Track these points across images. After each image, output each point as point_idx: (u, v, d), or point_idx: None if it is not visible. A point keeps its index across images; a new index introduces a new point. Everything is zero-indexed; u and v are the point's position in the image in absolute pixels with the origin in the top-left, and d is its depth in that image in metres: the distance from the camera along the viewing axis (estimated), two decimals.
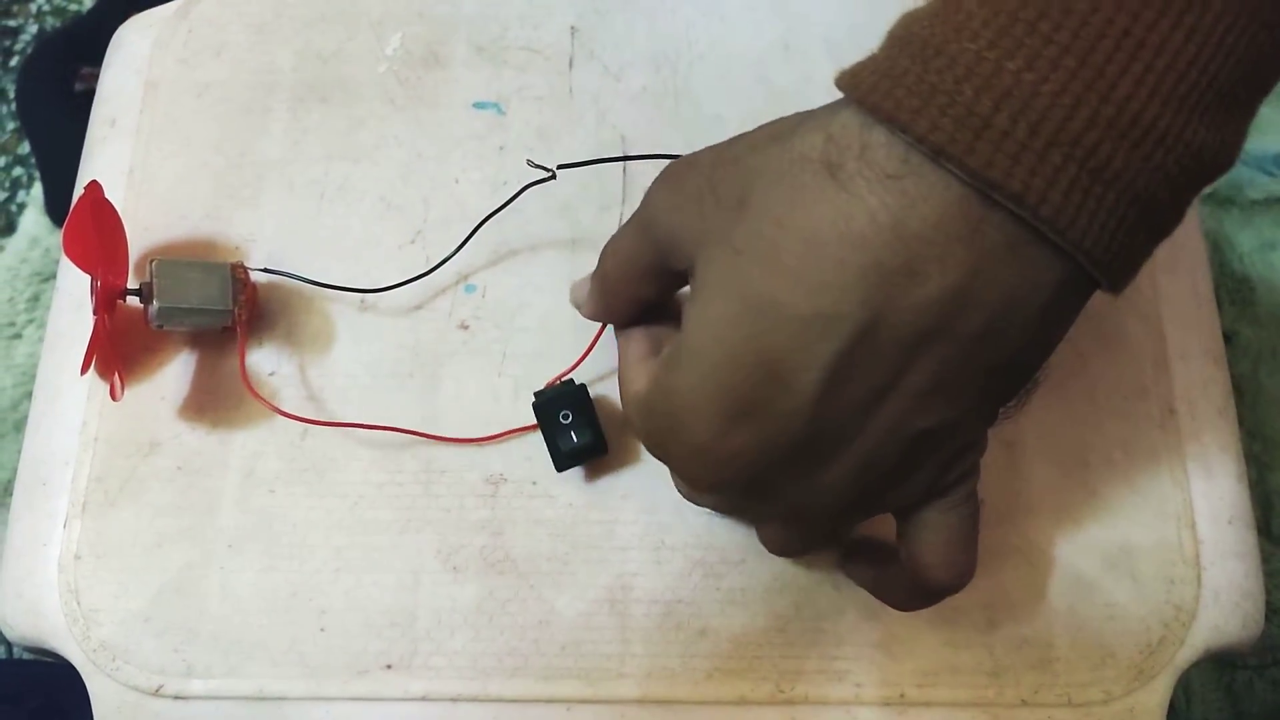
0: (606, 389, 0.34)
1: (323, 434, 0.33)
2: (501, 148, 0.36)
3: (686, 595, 0.32)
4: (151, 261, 0.32)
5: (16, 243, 0.57)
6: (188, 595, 0.32)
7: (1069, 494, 0.32)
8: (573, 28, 0.38)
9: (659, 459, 0.26)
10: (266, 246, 0.35)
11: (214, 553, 0.32)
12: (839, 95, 0.23)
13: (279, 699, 0.31)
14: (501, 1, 0.38)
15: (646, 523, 0.32)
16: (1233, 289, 0.51)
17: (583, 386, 0.32)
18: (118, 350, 0.33)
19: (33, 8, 0.62)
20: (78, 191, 0.34)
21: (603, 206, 0.36)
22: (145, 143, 0.36)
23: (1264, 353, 0.56)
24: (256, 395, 0.33)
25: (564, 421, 0.32)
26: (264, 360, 0.34)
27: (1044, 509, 0.32)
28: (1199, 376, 0.34)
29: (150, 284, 0.32)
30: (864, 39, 0.23)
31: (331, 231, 0.36)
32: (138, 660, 0.31)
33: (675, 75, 0.37)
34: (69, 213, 0.32)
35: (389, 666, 0.31)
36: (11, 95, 0.56)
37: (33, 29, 0.60)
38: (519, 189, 0.34)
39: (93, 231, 0.32)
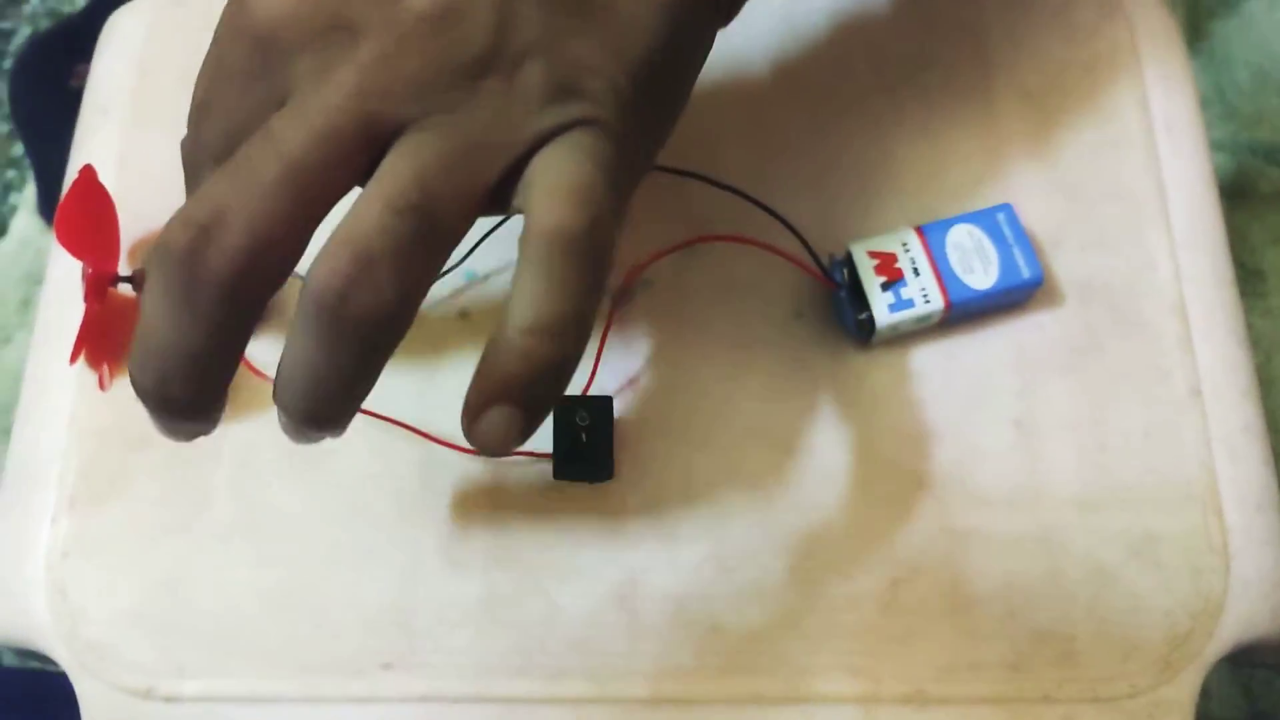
0: (630, 408, 0.33)
1: None
2: None
3: (698, 590, 0.31)
4: (149, 250, 0.31)
5: (7, 245, 0.56)
6: (179, 592, 0.31)
7: (1087, 478, 0.31)
8: None
9: None
10: None
11: (206, 548, 0.31)
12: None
13: (273, 700, 0.30)
14: None
15: (656, 514, 0.31)
16: (1245, 282, 0.50)
17: (608, 400, 0.31)
18: (108, 339, 0.32)
19: (25, 10, 0.62)
20: (70, 177, 0.33)
21: None
22: (138, 129, 0.35)
23: (1276, 344, 0.55)
24: (258, 373, 0.32)
25: (580, 424, 0.30)
26: (259, 351, 0.33)
27: (1062, 495, 0.31)
28: (1223, 358, 0.33)
29: (144, 271, 0.31)
30: None
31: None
32: (127, 660, 0.30)
33: None
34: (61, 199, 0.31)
35: (387, 666, 0.30)
36: (4, 95, 0.55)
37: (26, 31, 0.59)
38: None
39: (85, 217, 0.31)
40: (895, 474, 0.32)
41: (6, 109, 0.55)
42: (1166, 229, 0.34)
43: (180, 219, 0.21)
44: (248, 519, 0.31)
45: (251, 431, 0.32)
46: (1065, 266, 0.34)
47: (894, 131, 0.35)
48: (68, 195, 0.31)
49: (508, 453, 0.24)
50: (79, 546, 0.31)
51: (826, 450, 0.32)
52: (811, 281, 0.33)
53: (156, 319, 0.22)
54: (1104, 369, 0.32)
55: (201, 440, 0.32)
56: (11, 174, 0.57)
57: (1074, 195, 0.34)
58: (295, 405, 0.23)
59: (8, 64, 0.58)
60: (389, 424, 0.32)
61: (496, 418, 0.23)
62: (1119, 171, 0.35)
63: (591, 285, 0.23)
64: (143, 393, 0.23)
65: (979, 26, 0.36)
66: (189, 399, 0.22)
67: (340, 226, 0.22)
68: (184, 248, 0.21)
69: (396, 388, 0.33)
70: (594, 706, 0.30)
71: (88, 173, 0.31)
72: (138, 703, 0.30)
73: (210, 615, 0.31)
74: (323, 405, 0.23)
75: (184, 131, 0.36)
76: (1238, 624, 0.30)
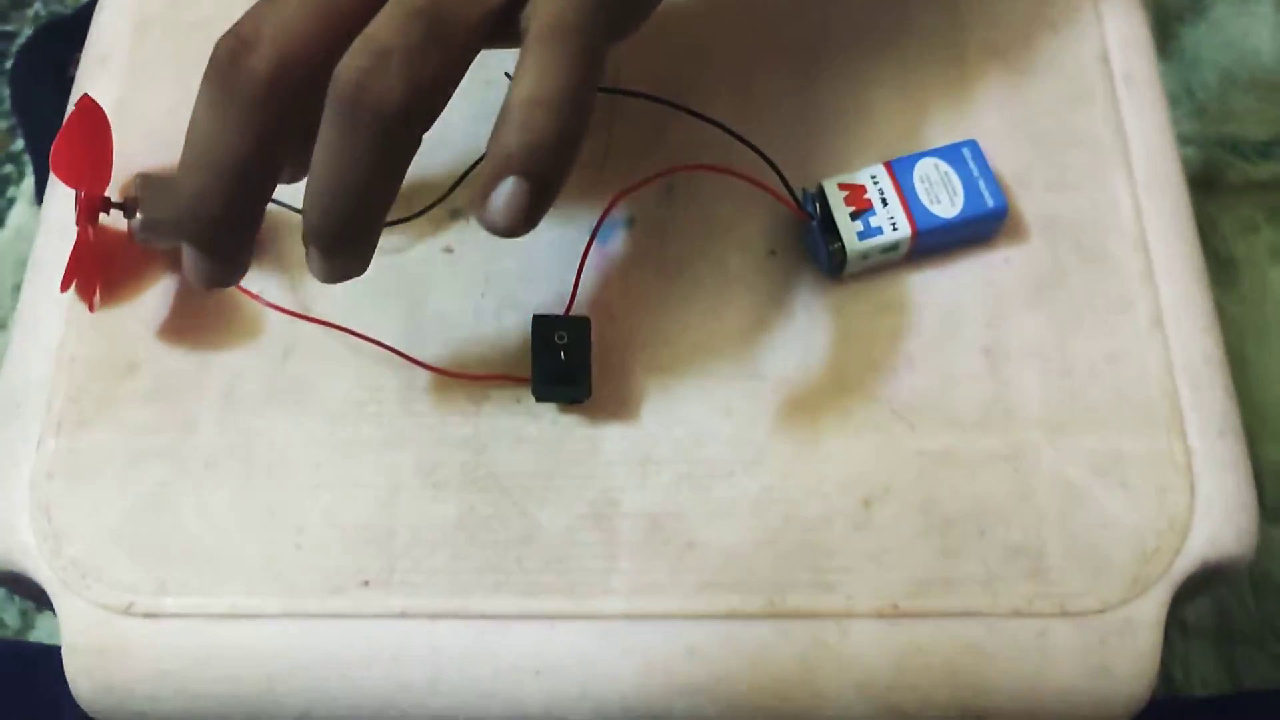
0: (611, 338, 0.33)
1: (305, 355, 0.33)
2: (488, 82, 0.36)
3: (674, 509, 0.31)
4: (138, 176, 0.32)
5: (3, 235, 0.57)
6: (162, 513, 0.31)
7: (1054, 402, 0.32)
8: None
9: None
10: None
11: (189, 472, 0.32)
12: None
13: (253, 616, 0.30)
14: None
15: (633, 437, 0.32)
16: (1218, 270, 0.52)
17: (586, 321, 0.32)
18: (98, 263, 0.32)
19: (29, 13, 0.64)
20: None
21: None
22: (135, 77, 0.37)
23: (1249, 329, 0.56)
24: (245, 291, 0.32)
25: (558, 342, 0.31)
26: (248, 283, 0.34)
27: (1028, 417, 0.32)
28: (1184, 293, 0.34)
29: (136, 199, 0.32)
30: None
31: None
32: (108, 578, 0.31)
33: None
34: (60, 128, 0.32)
35: (366, 583, 0.31)
36: (3, 93, 0.57)
37: (29, 34, 0.61)
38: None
39: (81, 147, 0.32)
40: (869, 400, 0.32)
41: (6, 106, 0.57)
42: (1128, 172, 0.35)
43: (225, 34, 0.25)
44: (232, 444, 0.32)
45: (238, 362, 0.33)
46: (1031, 205, 0.35)
47: (870, 83, 0.37)
48: (65, 125, 0.32)
49: (520, 229, 0.25)
50: (64, 469, 0.32)
51: (801, 378, 0.33)
52: (785, 221, 0.34)
53: (200, 126, 0.25)
54: (1069, 300, 0.33)
55: (187, 370, 0.33)
56: (10, 168, 0.58)
57: (1039, 142, 0.36)
58: (322, 215, 0.25)
59: (9, 65, 0.60)
60: (374, 352, 0.33)
61: (505, 190, 0.25)
62: (1081, 121, 0.36)
63: (583, 69, 0.25)
64: (183, 206, 0.25)
65: None
66: (224, 214, 0.25)
67: (361, 34, 0.24)
68: (225, 54, 0.24)
69: (382, 319, 0.33)
70: (570, 623, 0.30)
71: (85, 101, 0.32)
72: (117, 619, 0.30)
73: (192, 536, 0.31)
74: (347, 210, 0.25)
75: (180, 81, 0.37)
76: (1204, 542, 0.31)
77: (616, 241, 0.35)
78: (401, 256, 0.34)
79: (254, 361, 0.33)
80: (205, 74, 0.25)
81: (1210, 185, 0.61)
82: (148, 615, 0.30)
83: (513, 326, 0.33)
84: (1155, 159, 0.35)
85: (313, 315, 0.33)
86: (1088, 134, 0.36)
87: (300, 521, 0.31)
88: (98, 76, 0.37)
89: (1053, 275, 0.34)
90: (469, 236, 0.35)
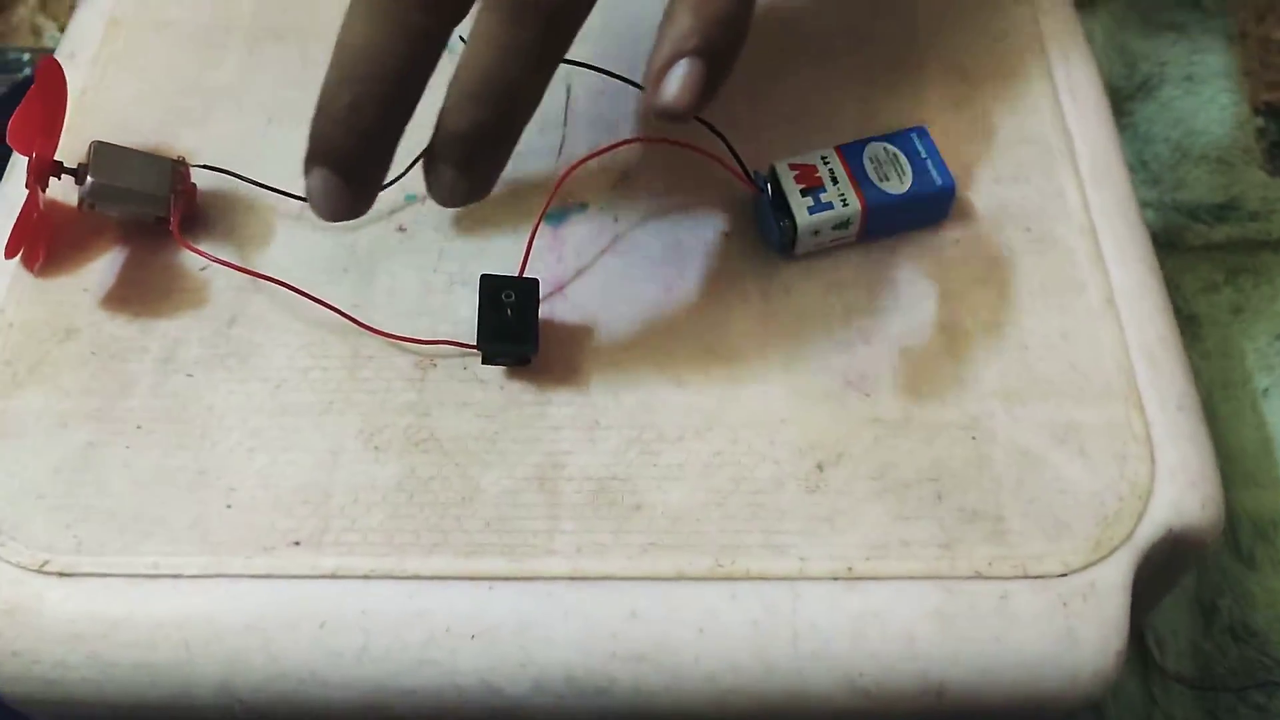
0: (562, 312, 0.33)
1: (250, 323, 0.32)
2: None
3: (621, 472, 0.30)
4: (91, 143, 0.32)
5: None
6: (88, 473, 0.30)
7: (1010, 375, 0.32)
8: None
9: None
10: (211, 159, 0.35)
11: (121, 433, 0.31)
12: None
13: (174, 576, 0.29)
14: None
15: (581, 404, 0.31)
16: (1181, 327, 0.52)
17: (534, 281, 0.32)
18: (46, 226, 0.32)
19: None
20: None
21: (543, 125, 0.36)
22: (101, 68, 0.37)
23: (1215, 382, 0.56)
24: (187, 245, 0.32)
25: (505, 300, 0.31)
26: (197, 257, 0.33)
27: (985, 388, 0.31)
28: (1135, 278, 0.34)
29: (87, 165, 0.32)
30: None
31: (277, 148, 0.36)
32: (25, 537, 0.29)
33: None
34: (22, 99, 0.33)
35: (297, 543, 0.29)
36: None
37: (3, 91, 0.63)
38: None
39: (39, 115, 0.32)
40: (823, 371, 0.32)
41: None
42: (1074, 168, 0.36)
43: None
44: (167, 407, 0.31)
45: (180, 329, 0.32)
46: (980, 195, 0.35)
47: (825, 83, 0.37)
48: (27, 97, 0.32)
49: (693, 110, 0.25)
50: None
51: (755, 351, 0.32)
52: (740, 204, 0.35)
53: (357, 34, 0.23)
54: (1021, 279, 0.33)
55: (127, 335, 0.32)
56: None
57: (988, 140, 0.36)
58: (471, 117, 0.24)
59: None
60: (321, 322, 0.32)
61: (680, 70, 0.24)
62: (1028, 124, 0.37)
63: None
64: (330, 122, 0.24)
65: (908, 6, 0.40)
66: (379, 128, 0.24)
67: None
68: None
69: (332, 292, 0.33)
70: (509, 584, 0.29)
71: (47, 62, 0.32)
72: (30, 577, 0.29)
73: (117, 495, 0.30)
74: (499, 110, 0.24)
75: (143, 74, 0.38)
76: (1167, 508, 0.30)
77: (571, 224, 0.35)
78: (354, 234, 0.34)
79: (197, 328, 0.32)
80: None
81: (1170, 246, 0.62)
82: (62, 574, 0.29)
83: (463, 300, 0.33)
84: (1099, 158, 0.36)
85: (259, 291, 0.33)
86: (1035, 135, 0.37)
87: (232, 482, 0.30)
88: (65, 69, 0.38)
89: (1004, 257, 0.34)
90: (423, 216, 0.35)
